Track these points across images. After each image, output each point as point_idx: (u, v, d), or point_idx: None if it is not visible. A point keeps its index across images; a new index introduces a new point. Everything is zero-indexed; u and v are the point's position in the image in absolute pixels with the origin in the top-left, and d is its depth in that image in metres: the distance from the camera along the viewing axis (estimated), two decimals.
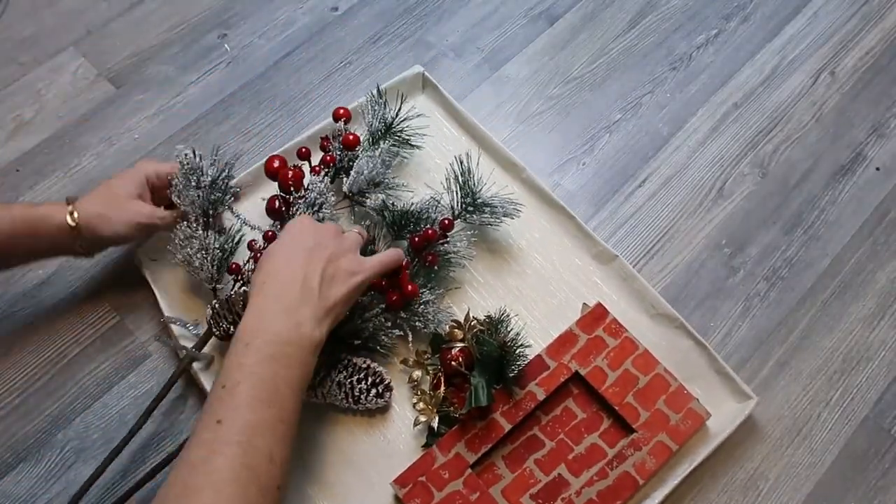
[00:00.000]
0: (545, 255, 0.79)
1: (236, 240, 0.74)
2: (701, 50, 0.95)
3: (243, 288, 0.70)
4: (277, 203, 0.73)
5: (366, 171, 0.75)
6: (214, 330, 0.69)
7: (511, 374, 0.68)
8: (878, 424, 0.72)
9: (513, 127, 0.89)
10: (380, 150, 0.78)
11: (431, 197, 0.77)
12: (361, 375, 0.68)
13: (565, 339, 0.71)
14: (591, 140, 0.88)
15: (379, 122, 0.80)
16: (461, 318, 0.72)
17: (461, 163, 0.77)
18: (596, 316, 0.73)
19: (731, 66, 0.93)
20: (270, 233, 0.73)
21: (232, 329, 0.68)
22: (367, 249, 0.73)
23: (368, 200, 0.77)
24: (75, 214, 0.67)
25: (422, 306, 0.71)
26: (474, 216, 0.77)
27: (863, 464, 0.70)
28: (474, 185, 0.77)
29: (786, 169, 0.86)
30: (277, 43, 0.96)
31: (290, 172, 0.74)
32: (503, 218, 0.76)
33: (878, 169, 0.86)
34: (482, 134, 0.85)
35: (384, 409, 0.71)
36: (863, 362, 0.75)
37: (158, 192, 0.74)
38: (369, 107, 0.81)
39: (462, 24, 0.97)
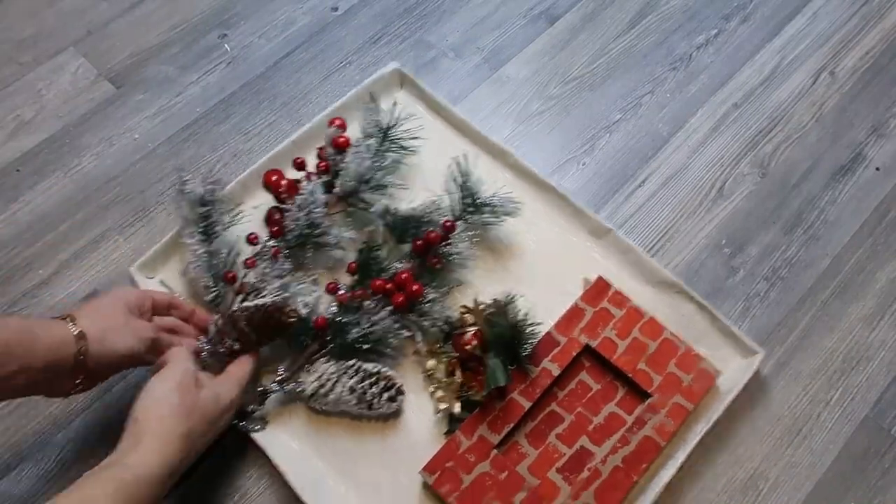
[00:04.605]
0: (541, 235, 0.80)
1: (233, 252, 0.74)
2: (701, 50, 0.95)
3: (244, 303, 0.69)
4: (277, 214, 0.77)
5: (353, 167, 0.76)
6: (219, 347, 0.68)
7: (524, 353, 0.69)
8: (878, 424, 0.72)
9: (513, 127, 0.89)
10: (364, 144, 0.78)
11: (432, 201, 0.77)
12: (373, 380, 0.69)
13: (572, 314, 0.73)
14: (591, 140, 0.88)
15: (373, 129, 0.80)
16: (468, 305, 0.73)
17: (459, 165, 0.78)
18: (599, 289, 0.74)
19: (731, 66, 0.93)
20: (254, 236, 0.76)
21: (236, 346, 0.67)
22: (370, 257, 0.74)
23: (369, 205, 0.77)
24: (77, 322, 0.59)
25: (428, 304, 0.72)
26: (475, 217, 0.77)
27: (863, 464, 0.70)
28: (473, 185, 0.77)
29: (786, 169, 0.86)
30: (277, 43, 0.96)
31: (284, 183, 0.77)
32: (504, 216, 0.77)
33: (878, 169, 0.86)
34: (466, 125, 0.85)
35: (397, 414, 0.71)
36: (863, 362, 0.75)
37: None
38: (361, 115, 0.81)
39: (462, 24, 0.97)
